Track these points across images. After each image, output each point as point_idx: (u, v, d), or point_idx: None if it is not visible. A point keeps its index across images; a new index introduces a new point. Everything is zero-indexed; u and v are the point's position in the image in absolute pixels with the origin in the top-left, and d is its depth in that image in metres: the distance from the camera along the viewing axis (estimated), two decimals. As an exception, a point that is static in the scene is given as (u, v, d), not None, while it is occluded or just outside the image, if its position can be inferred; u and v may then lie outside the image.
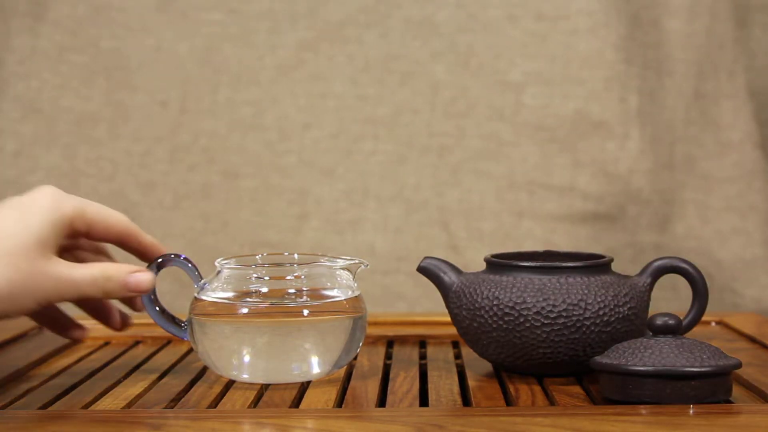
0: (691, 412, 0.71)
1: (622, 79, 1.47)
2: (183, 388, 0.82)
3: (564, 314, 0.81)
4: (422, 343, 0.99)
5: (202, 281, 0.84)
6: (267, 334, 0.82)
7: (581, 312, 0.81)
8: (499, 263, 0.85)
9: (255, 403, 0.78)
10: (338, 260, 0.84)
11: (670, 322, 0.76)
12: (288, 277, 0.83)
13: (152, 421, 0.70)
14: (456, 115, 1.47)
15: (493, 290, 0.83)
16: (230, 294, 0.83)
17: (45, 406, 0.77)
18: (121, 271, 0.80)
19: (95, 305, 0.86)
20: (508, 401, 0.78)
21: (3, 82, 1.48)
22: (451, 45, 1.47)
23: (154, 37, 1.46)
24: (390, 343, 0.99)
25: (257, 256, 0.86)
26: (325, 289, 0.83)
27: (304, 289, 0.82)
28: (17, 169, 1.49)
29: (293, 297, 0.82)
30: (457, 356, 0.93)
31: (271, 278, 0.83)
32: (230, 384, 0.83)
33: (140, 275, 0.80)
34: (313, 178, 1.48)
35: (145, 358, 0.93)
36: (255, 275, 0.83)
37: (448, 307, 0.86)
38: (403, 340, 1.00)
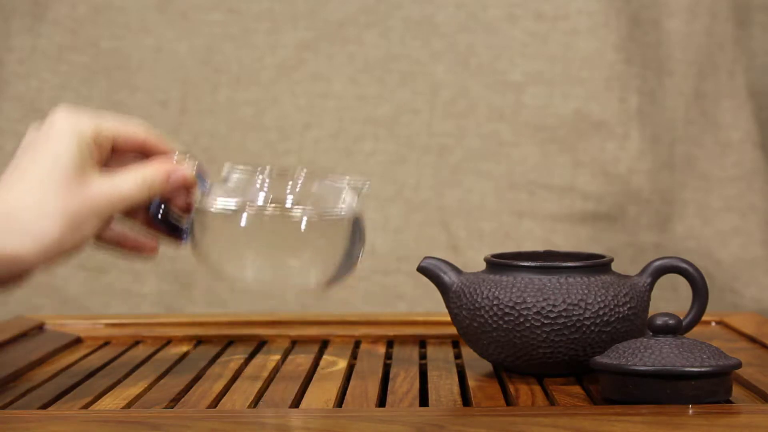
0: (691, 412, 0.71)
1: (622, 79, 1.47)
2: (183, 388, 0.82)
3: (564, 314, 0.81)
4: (422, 343, 0.99)
5: (209, 183, 0.84)
6: (268, 235, 0.82)
7: (581, 312, 0.81)
8: (499, 263, 0.85)
9: (255, 403, 0.78)
10: (344, 177, 0.85)
11: (670, 322, 0.76)
12: (291, 184, 0.83)
13: (152, 421, 0.70)
14: (456, 115, 1.47)
15: (493, 290, 0.83)
16: (235, 196, 0.83)
17: (45, 406, 0.77)
18: (161, 172, 0.81)
19: (120, 239, 0.84)
20: (508, 401, 0.78)
21: (3, 82, 1.48)
22: (451, 45, 1.47)
23: (154, 37, 1.46)
24: (390, 343, 0.99)
25: (267, 167, 0.85)
26: (327, 199, 0.84)
27: (308, 196, 0.83)
28: (17, 169, 1.49)
29: (295, 202, 0.82)
30: (457, 356, 0.93)
31: (275, 185, 0.83)
32: (230, 384, 0.83)
33: (179, 172, 0.81)
34: (313, 178, 1.48)
35: (145, 358, 0.93)
36: (260, 180, 0.83)
37: (448, 307, 0.86)
38: (403, 340, 1.00)
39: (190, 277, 1.50)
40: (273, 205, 0.82)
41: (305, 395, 0.79)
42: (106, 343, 1.00)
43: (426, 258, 0.88)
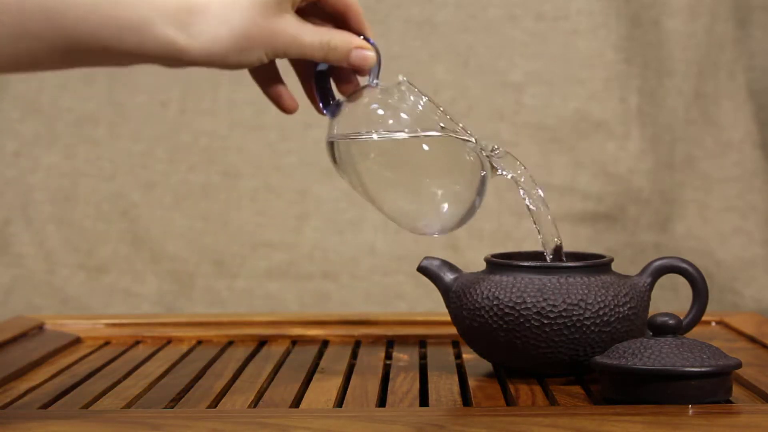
0: (690, 412, 0.71)
1: (622, 79, 1.47)
2: (183, 388, 0.82)
3: (564, 314, 0.81)
4: (422, 343, 0.99)
5: (378, 81, 0.83)
6: (410, 157, 0.82)
7: (581, 312, 0.81)
8: (499, 263, 0.85)
9: (255, 403, 0.78)
10: (491, 143, 0.86)
11: (670, 322, 0.76)
12: (446, 121, 0.83)
13: (152, 421, 0.70)
14: (456, 115, 1.47)
15: (493, 290, 0.83)
16: (391, 108, 0.82)
17: (45, 406, 0.77)
18: (347, 44, 0.80)
19: (272, 84, 0.84)
20: (508, 401, 0.78)
21: (3, 82, 1.48)
22: (451, 45, 1.47)
23: (154, 37, 1.46)
24: (390, 343, 0.99)
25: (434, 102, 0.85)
26: (467, 147, 0.84)
27: (463, 135, 0.84)
28: (17, 169, 1.49)
29: (452, 132, 0.83)
30: (457, 356, 0.93)
31: (435, 115, 0.83)
32: (230, 384, 0.83)
33: (363, 52, 0.81)
34: (313, 178, 1.48)
35: (145, 358, 0.93)
36: (421, 104, 0.82)
37: (448, 307, 0.86)
38: (403, 340, 1.00)
39: (190, 277, 1.50)
40: (426, 133, 0.82)
41: (305, 395, 0.79)
42: (106, 343, 1.00)
43: (426, 258, 0.88)
